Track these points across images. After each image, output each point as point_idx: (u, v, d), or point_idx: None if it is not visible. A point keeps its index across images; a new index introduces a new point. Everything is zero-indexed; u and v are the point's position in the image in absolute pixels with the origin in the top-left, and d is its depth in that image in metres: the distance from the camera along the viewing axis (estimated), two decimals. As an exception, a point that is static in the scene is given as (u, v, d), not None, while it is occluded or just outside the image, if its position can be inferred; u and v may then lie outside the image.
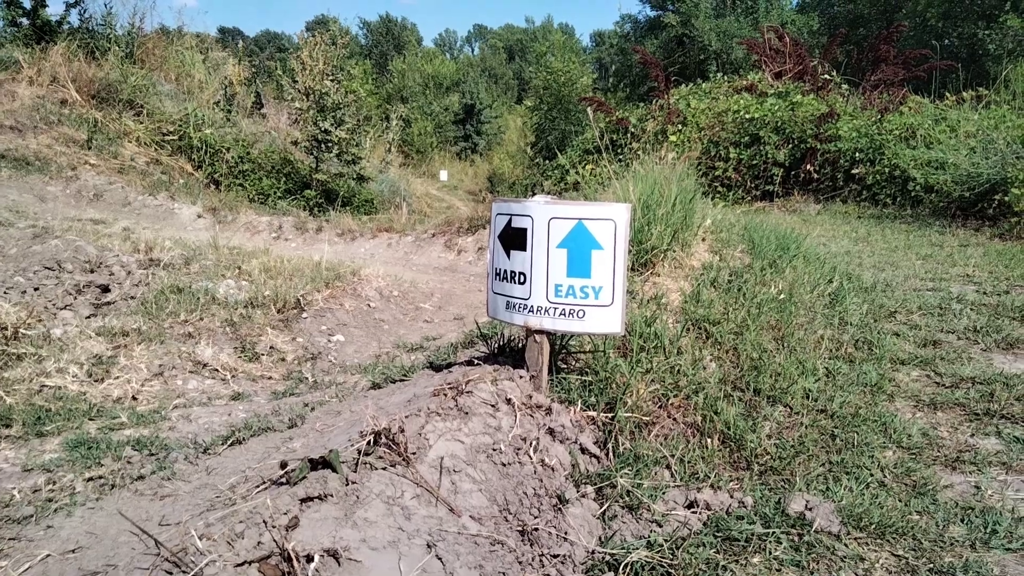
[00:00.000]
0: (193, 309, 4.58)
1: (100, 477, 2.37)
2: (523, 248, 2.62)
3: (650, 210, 4.44)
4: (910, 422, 2.92)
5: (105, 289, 4.99)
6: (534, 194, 2.88)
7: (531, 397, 2.59)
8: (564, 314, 2.59)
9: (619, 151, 12.02)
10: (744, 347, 3.41)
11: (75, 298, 4.47)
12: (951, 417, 2.99)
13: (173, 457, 2.54)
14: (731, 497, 2.34)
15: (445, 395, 2.37)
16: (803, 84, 13.49)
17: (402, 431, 2.00)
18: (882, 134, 10.90)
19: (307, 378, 3.43)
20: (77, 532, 1.97)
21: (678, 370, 3.07)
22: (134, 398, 3.07)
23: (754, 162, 11.68)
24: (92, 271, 5.31)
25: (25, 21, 15.59)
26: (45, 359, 3.25)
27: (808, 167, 11.40)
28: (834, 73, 14.43)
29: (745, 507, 2.28)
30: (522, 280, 2.64)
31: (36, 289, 4.35)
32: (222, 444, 2.63)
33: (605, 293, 2.55)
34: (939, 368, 3.48)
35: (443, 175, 28.19)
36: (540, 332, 2.68)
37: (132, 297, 4.93)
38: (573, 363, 3.06)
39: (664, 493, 2.35)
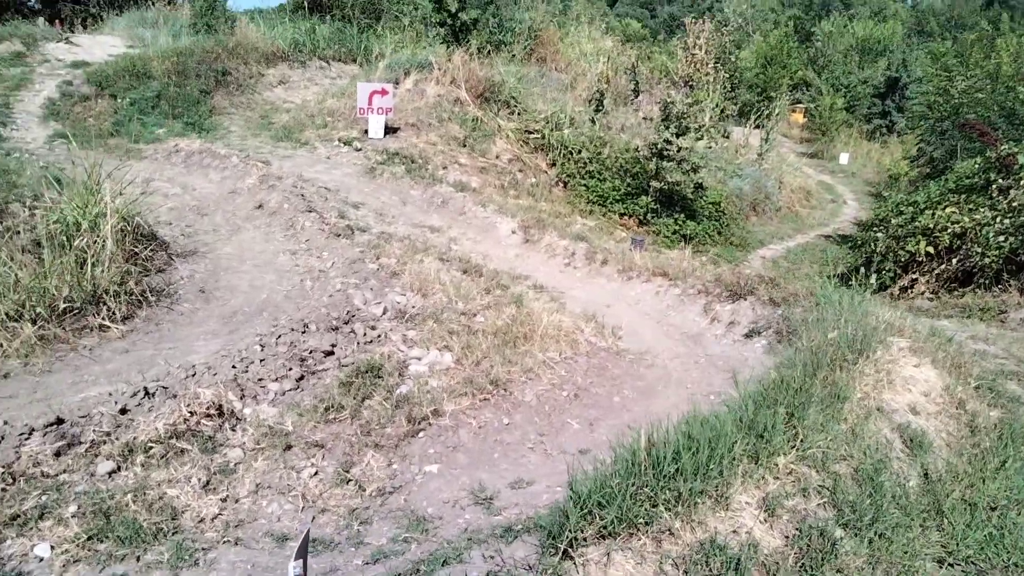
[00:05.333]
0: (365, 396, 5.32)
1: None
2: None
3: None
4: None
5: (329, 353, 6.04)
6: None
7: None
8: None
9: (994, 196, 9.62)
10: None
11: (291, 369, 5.55)
12: None
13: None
14: None
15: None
16: None
17: None
18: None
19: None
20: None
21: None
22: (201, 519, 3.85)
23: None
24: (335, 329, 6.42)
25: (448, 21, 18.24)
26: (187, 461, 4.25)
27: None
28: None
29: None
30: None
31: (262, 361, 5.53)
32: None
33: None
34: None
35: (843, 158, 25.48)
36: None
37: (346, 365, 5.88)
38: None
39: None
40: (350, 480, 4.26)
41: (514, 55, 18.34)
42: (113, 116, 14.07)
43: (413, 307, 7.36)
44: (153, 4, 21.03)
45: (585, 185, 14.36)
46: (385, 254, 8.90)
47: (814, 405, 3.82)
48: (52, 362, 5.85)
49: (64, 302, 6.45)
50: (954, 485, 3.72)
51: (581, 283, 9.56)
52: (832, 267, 12.58)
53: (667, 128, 13.25)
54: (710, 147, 18.27)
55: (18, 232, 7.32)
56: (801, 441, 3.55)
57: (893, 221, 10.63)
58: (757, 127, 20.47)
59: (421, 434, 4.80)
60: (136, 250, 7.83)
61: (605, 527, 2.90)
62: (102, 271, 6.95)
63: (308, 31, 18.78)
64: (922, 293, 9.46)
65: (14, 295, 6.22)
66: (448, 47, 17.22)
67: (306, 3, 20.38)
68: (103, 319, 6.52)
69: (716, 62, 19.22)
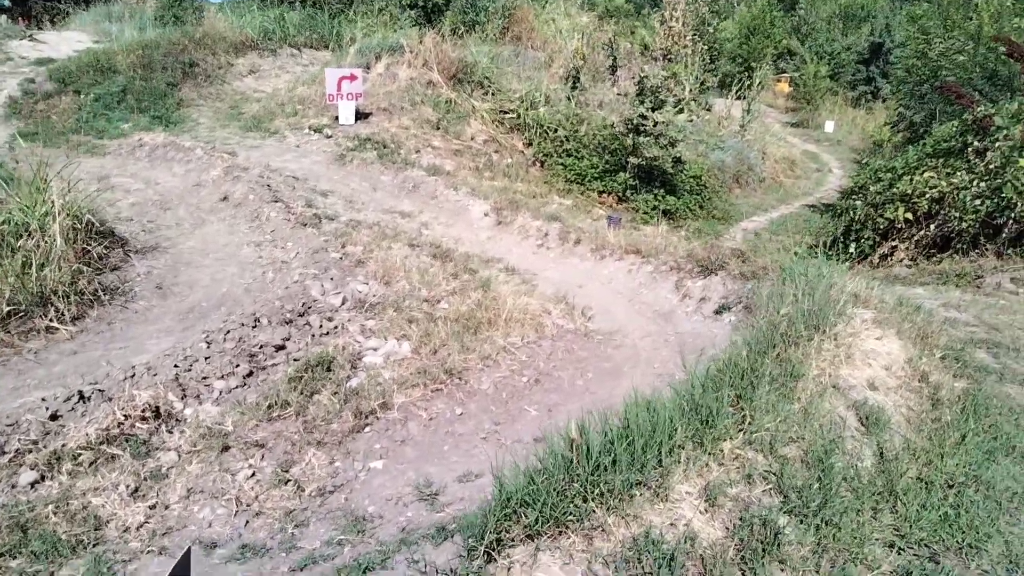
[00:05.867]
0: (314, 391, 5.13)
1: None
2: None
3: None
4: None
5: (280, 348, 5.84)
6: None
7: None
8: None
9: (971, 159, 9.38)
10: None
11: (238, 366, 5.36)
12: None
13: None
14: None
15: None
16: None
17: None
18: None
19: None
20: None
21: None
22: (127, 530, 3.68)
23: None
24: (289, 322, 6.22)
25: (419, 3, 17.91)
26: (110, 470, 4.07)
27: None
28: None
29: None
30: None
31: (208, 359, 5.34)
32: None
33: None
34: None
35: (828, 126, 25.22)
36: None
37: (298, 359, 5.69)
38: None
39: None
40: (289, 480, 4.08)
41: (488, 35, 18.01)
42: (76, 113, 13.76)
43: (375, 296, 7.16)
44: (119, -2, 20.62)
45: (562, 164, 14.12)
46: (352, 242, 8.70)
47: (764, 385, 3.64)
48: (-6, 368, 5.65)
49: (8, 305, 6.24)
50: (911, 463, 3.54)
51: (554, 263, 9.37)
52: (814, 237, 12.41)
53: (642, 103, 12.98)
54: (691, 120, 18.03)
55: (-35, 234, 7.09)
56: (749, 424, 3.37)
57: (872, 188, 10.41)
58: (739, 98, 20.17)
59: (368, 429, 4.62)
60: (89, 248, 7.60)
61: (531, 526, 2.73)
62: (50, 272, 6.73)
63: (278, 18, 18.41)
64: (901, 260, 9.27)
65: (-48, 300, 6.02)
66: (420, 29, 16.91)
67: (275, -10, 19.93)
68: (50, 320, 6.32)
69: (694, 34, 18.88)
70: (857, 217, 10.31)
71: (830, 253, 10.73)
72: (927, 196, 9.48)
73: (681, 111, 18.42)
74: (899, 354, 4.52)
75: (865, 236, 10.06)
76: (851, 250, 10.06)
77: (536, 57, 17.58)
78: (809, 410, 3.62)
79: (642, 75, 13.05)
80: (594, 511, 2.81)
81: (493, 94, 15.21)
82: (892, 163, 10.74)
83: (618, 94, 15.13)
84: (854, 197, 10.78)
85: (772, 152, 19.09)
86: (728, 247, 7.95)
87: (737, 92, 19.79)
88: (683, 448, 3.17)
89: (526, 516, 2.72)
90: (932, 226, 9.38)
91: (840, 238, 10.62)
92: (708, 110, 19.54)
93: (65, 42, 18.06)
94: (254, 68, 17.33)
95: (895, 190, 9.82)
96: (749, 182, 17.43)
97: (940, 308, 6.21)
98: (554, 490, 2.80)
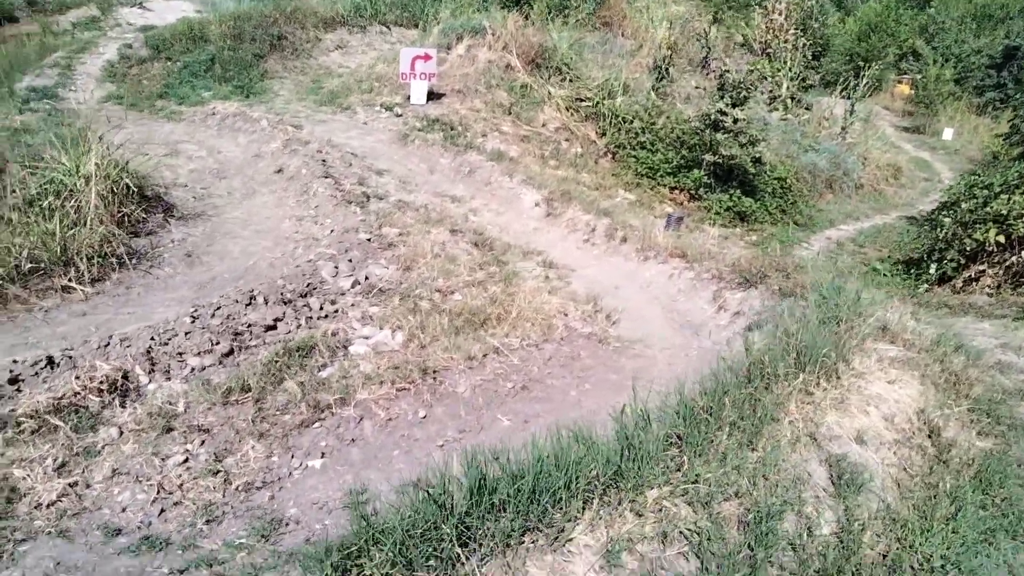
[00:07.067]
0: (283, 378, 4.96)
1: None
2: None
3: None
4: None
5: (271, 328, 5.72)
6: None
7: None
8: None
9: None
10: None
11: (218, 343, 5.25)
12: None
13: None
14: None
15: None
16: None
17: None
18: None
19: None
20: None
21: None
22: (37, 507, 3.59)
23: None
24: (288, 302, 6.10)
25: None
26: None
27: None
28: None
29: None
30: None
31: (188, 334, 5.25)
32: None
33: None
34: None
35: (947, 134, 23.16)
36: None
37: (283, 341, 5.55)
38: None
39: None
40: (219, 471, 3.91)
41: (577, 20, 17.45)
42: (165, 79, 14.28)
43: (388, 281, 6.96)
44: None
45: (635, 156, 13.50)
46: (390, 223, 8.55)
47: (725, 427, 3.14)
48: (3, 322, 5.79)
49: (32, 262, 6.41)
50: (881, 537, 2.96)
51: (596, 261, 8.91)
52: (903, 252, 11.31)
53: (722, 98, 12.19)
54: (785, 119, 16.93)
55: (14, 191, 7.35)
56: (685, 471, 2.90)
57: (963, 205, 9.32)
58: (846, 98, 18.77)
59: (318, 424, 4.39)
60: (126, 212, 7.76)
61: (380, 567, 2.40)
62: (77, 232, 6.88)
63: (370, -6, 18.50)
64: (984, 288, 8.23)
65: (-24, 255, 6.22)
66: (508, 11, 16.56)
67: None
68: (68, 280, 6.44)
69: (798, 28, 17.64)
70: (943, 235, 9.26)
71: (910, 272, 9.75)
72: (1025, 219, 8.39)
73: (775, 109, 17.33)
74: (909, 402, 3.87)
75: (949, 257, 9.01)
76: (931, 271, 9.05)
77: (624, 45, 16.92)
78: (768, 461, 3.10)
79: (724, 69, 12.24)
80: (461, 559, 2.45)
81: (571, 81, 14.71)
82: (989, 179, 9.57)
83: (695, 87, 14.29)
84: (943, 213, 9.70)
85: (875, 157, 17.62)
86: (773, 259, 7.23)
87: (842, 92, 18.37)
88: (594, 493, 2.75)
89: (375, 556, 2.39)
90: (1026, 253, 8.30)
91: (924, 256, 9.59)
92: (808, 109, 18.30)
93: (171, 11, 18.85)
94: (341, 44, 17.50)
95: (989, 209, 8.73)
96: (843, 188, 16.18)
97: (997, 349, 5.37)
98: (418, 530, 2.45)
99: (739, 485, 2.96)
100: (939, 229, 9.43)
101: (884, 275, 9.80)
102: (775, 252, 9.43)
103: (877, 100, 27.79)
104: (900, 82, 28.92)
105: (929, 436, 3.75)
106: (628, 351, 6.43)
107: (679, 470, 2.92)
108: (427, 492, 2.59)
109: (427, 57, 13.65)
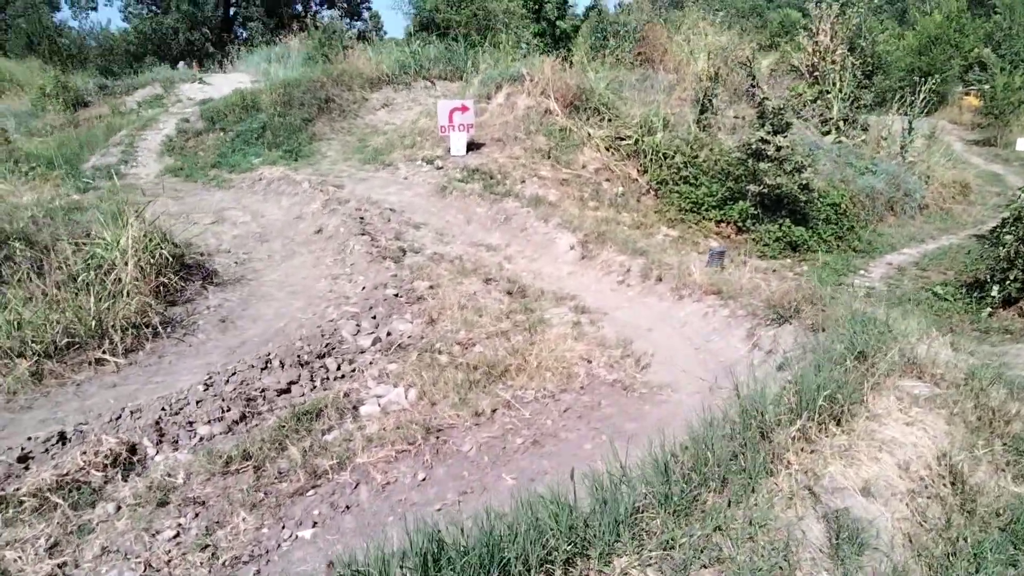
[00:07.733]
0: (282, 446, 4.92)
1: None
2: None
3: None
4: None
5: (284, 391, 5.72)
6: None
7: None
8: None
9: None
10: None
11: (229, 410, 5.28)
12: None
13: None
14: None
15: None
16: None
17: None
18: None
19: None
20: None
21: None
22: None
23: None
24: (304, 364, 6.11)
25: (548, 31, 17.73)
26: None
27: None
28: None
29: None
30: None
31: (199, 402, 5.31)
32: None
33: None
34: None
35: (1020, 144, 21.93)
36: None
37: (295, 405, 5.54)
38: None
39: None
40: (208, 545, 3.86)
41: (618, 59, 17.45)
42: (219, 148, 14.93)
43: (410, 336, 6.92)
44: (282, 39, 22.30)
45: (678, 191, 13.25)
46: (423, 276, 8.56)
47: (706, 483, 2.89)
48: (36, 398, 6.00)
49: (67, 336, 6.64)
50: (883, 613, 2.64)
51: (629, 303, 8.66)
52: (968, 274, 10.61)
53: (762, 126, 11.86)
54: (838, 142, 16.36)
55: (59, 268, 7.70)
56: (659, 536, 2.67)
57: (1026, 220, 8.70)
58: (904, 115, 18.03)
59: (312, 491, 4.31)
60: (166, 281, 8.01)
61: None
62: (112, 305, 7.11)
63: (414, 52, 19.00)
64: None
65: (17, 331, 6.48)
66: (548, 56, 16.70)
67: (417, 25, 20.66)
68: (103, 353, 6.65)
69: (847, 47, 17.11)
70: (1005, 254, 8.62)
71: (972, 296, 9.10)
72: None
73: (828, 132, 16.79)
74: (931, 445, 3.49)
75: (1012, 276, 8.37)
76: (993, 293, 8.42)
77: (664, 80, 16.77)
78: (756, 520, 2.82)
79: (763, 96, 11.92)
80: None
81: (610, 120, 14.62)
82: (1053, 191, 8.91)
83: (734, 117, 13.96)
84: (1005, 230, 9.06)
85: (939, 174, 16.78)
86: (807, 291, 6.85)
87: (899, 108, 17.66)
88: (555, 564, 2.55)
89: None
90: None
91: (987, 278, 8.95)
92: (864, 130, 17.65)
93: (228, 83, 19.80)
94: (387, 102, 17.98)
95: (1055, 224, 8.11)
96: (906, 209, 15.42)
97: (1046, 383, 4.86)
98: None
99: (722, 548, 2.70)
100: (1001, 247, 8.80)
101: (945, 300, 9.18)
102: (812, 283, 8.98)
103: (943, 115, 26.67)
104: (967, 94, 27.69)
105: (952, 483, 3.35)
106: (654, 398, 6.16)
107: (654, 535, 2.69)
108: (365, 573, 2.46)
109: (464, 108, 13.84)
